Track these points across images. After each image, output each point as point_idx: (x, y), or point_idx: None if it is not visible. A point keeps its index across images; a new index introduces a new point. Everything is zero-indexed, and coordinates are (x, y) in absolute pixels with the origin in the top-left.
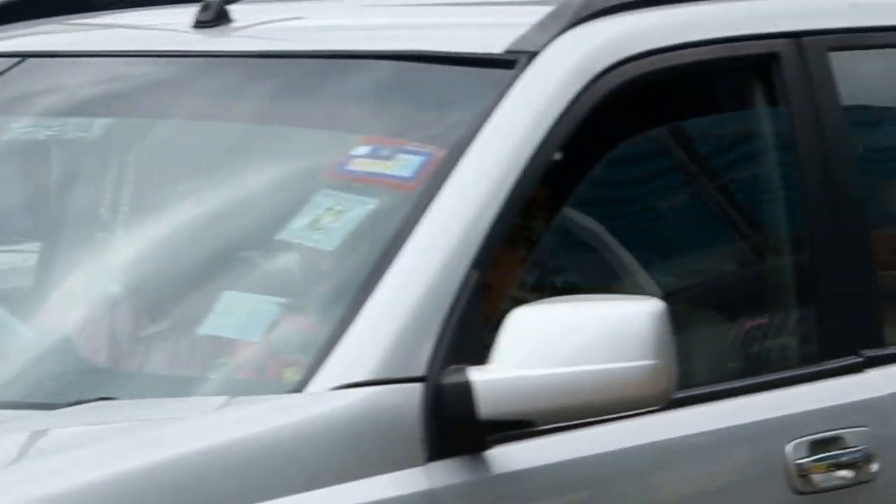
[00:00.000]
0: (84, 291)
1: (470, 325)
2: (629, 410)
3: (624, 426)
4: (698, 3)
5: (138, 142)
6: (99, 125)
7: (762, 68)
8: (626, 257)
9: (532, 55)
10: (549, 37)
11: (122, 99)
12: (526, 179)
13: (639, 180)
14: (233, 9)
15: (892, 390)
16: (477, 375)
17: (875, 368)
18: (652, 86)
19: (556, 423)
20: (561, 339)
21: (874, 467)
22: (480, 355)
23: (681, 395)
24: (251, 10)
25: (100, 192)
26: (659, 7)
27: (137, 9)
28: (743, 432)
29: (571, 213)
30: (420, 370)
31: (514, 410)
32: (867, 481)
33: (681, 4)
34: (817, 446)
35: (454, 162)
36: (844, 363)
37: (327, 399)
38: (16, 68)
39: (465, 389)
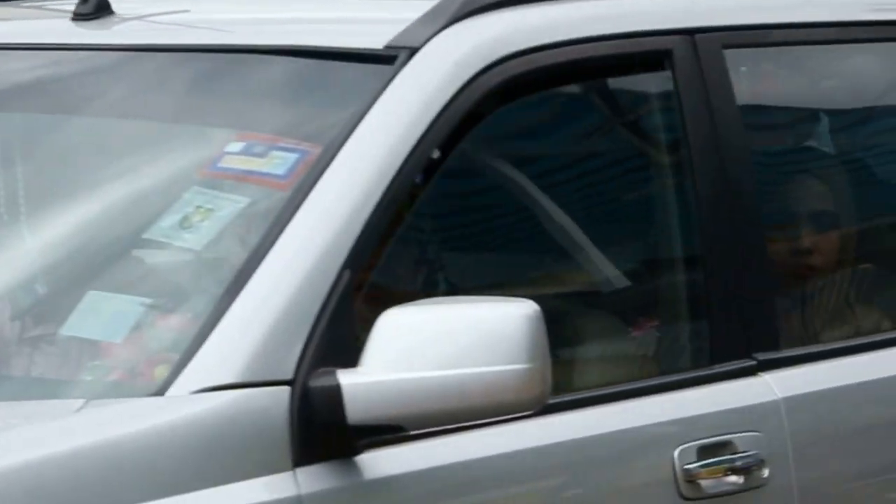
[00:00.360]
0: None
1: (341, 327)
2: (503, 415)
3: (501, 431)
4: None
5: (7, 137)
6: None
7: (654, 66)
8: (507, 259)
9: (413, 51)
10: (431, 32)
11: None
12: (403, 178)
13: (521, 180)
14: (114, 1)
15: (785, 394)
16: (346, 379)
17: (768, 372)
18: (538, 83)
19: (427, 428)
20: (433, 342)
21: (765, 473)
22: (352, 358)
23: (568, 398)
24: (133, 2)
25: None
26: (546, 3)
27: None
28: (629, 436)
29: (449, 213)
30: (288, 373)
31: (384, 415)
32: (758, 487)
33: (569, 1)
34: (706, 451)
35: (329, 160)
36: (737, 366)
37: (188, 403)
38: None
39: (334, 393)
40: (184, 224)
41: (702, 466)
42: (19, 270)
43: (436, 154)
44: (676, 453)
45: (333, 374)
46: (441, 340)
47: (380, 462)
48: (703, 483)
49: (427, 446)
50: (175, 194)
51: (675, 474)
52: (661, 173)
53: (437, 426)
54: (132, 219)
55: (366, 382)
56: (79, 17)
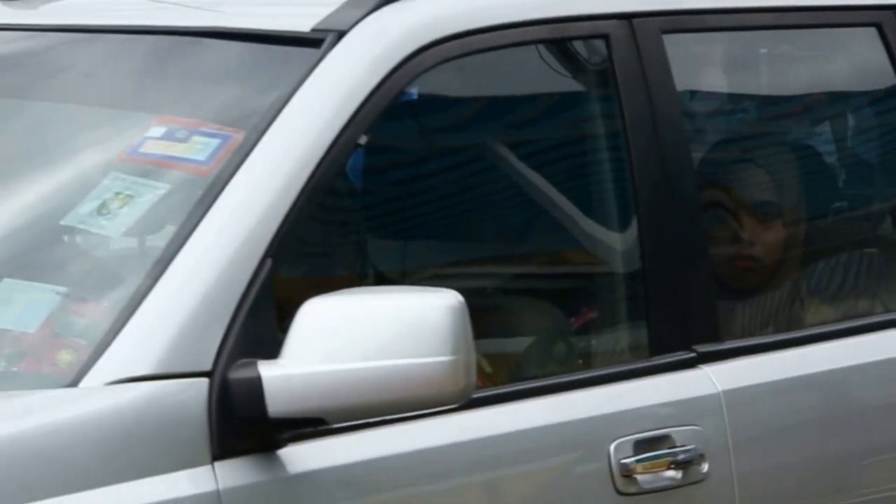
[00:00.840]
0: None
1: (262, 318)
2: (426, 408)
3: (428, 424)
4: None
5: None
6: None
7: (591, 50)
8: (438, 247)
9: (340, 34)
10: (360, 15)
11: None
12: (328, 164)
13: (452, 167)
14: None
15: (725, 387)
16: (266, 371)
17: (708, 364)
18: (472, 68)
19: (350, 421)
20: (355, 333)
21: (704, 468)
22: (274, 349)
23: (500, 391)
24: None
25: None
26: None
27: None
28: (564, 430)
29: (377, 202)
30: (207, 364)
31: (305, 408)
32: (696, 482)
33: None
34: (643, 445)
35: (252, 146)
36: (676, 359)
37: (101, 394)
38: None
39: (255, 385)
40: (102, 210)
41: (638, 461)
42: None
43: (362, 139)
44: (612, 447)
45: (254, 365)
46: (363, 331)
47: (302, 456)
48: (640, 478)
49: (350, 440)
50: (93, 180)
51: (610, 469)
52: (598, 162)
53: (359, 419)
54: (49, 205)
55: (286, 374)
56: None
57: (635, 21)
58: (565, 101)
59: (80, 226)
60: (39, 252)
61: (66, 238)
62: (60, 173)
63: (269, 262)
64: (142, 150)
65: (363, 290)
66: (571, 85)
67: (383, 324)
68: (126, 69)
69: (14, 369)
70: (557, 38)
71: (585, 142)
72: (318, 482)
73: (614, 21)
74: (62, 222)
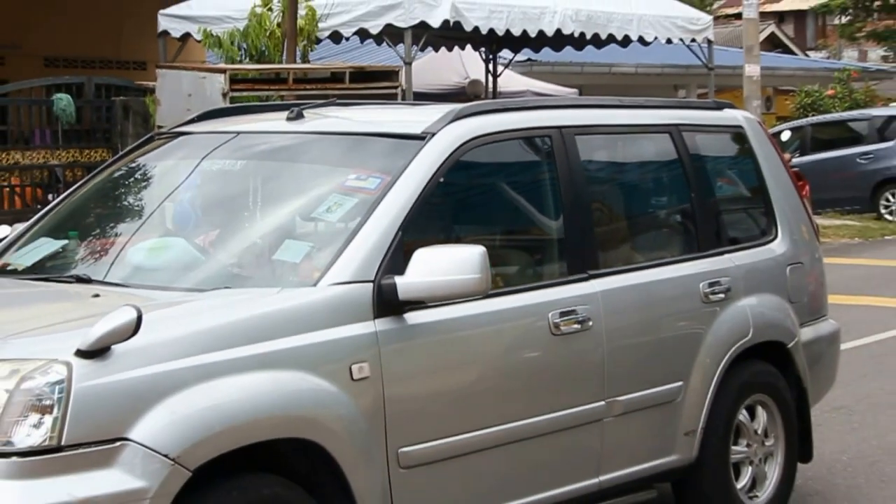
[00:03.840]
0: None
1: (396, 257)
2: (469, 297)
3: (469, 304)
4: (519, 111)
5: (259, 175)
6: (239, 164)
7: (543, 143)
8: (471, 228)
9: (433, 134)
10: (443, 125)
11: (255, 151)
12: (426, 189)
13: (481, 193)
14: (306, 112)
15: (601, 289)
16: (399, 280)
17: (594, 279)
18: (491, 150)
19: (436, 302)
20: (439, 263)
21: (590, 324)
22: (401, 271)
23: (500, 290)
24: (315, 114)
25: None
26: (498, 113)
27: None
28: (529, 308)
29: (447, 208)
30: (371, 276)
31: (415, 296)
32: (587, 330)
33: (512, 112)
34: (564, 314)
35: (393, 182)
36: (579, 277)
37: (327, 290)
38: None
39: (392, 286)
40: (329, 210)
41: (561, 321)
42: (259, 235)
43: (441, 180)
44: (549, 315)
45: (392, 277)
46: (443, 263)
47: (414, 317)
48: (563, 328)
49: (436, 310)
50: (326, 197)
51: (549, 325)
52: (547, 193)
53: (440, 302)
54: (307, 207)
55: (407, 281)
56: (289, 119)
57: (563, 129)
58: (532, 165)
59: (320, 217)
60: (302, 228)
61: (314, 223)
62: (313, 194)
63: (399, 233)
64: (347, 184)
65: (443, 245)
66: (533, 158)
67: (451, 259)
68: (341, 148)
69: (288, 278)
70: (531, 136)
71: (541, 184)
72: (421, 327)
73: (555, 129)
74: (312, 215)
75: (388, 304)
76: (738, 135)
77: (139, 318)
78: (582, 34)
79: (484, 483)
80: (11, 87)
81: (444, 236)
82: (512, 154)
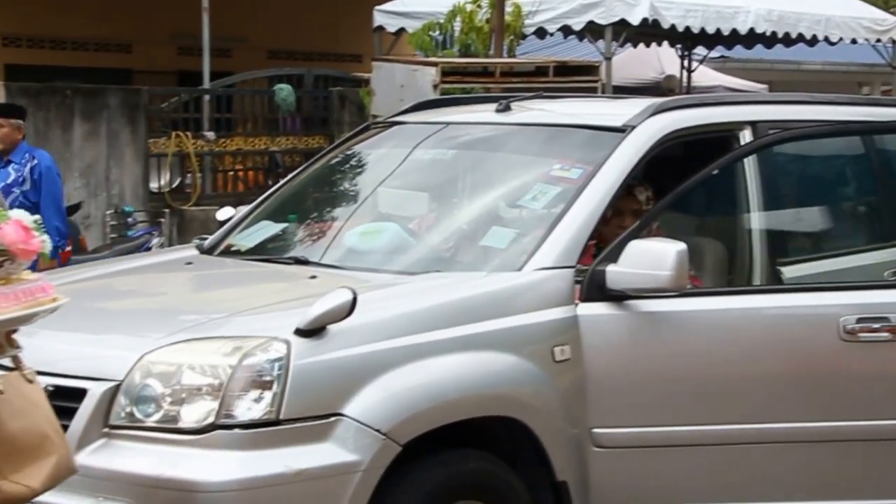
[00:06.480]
0: None
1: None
2: (663, 292)
3: (664, 300)
4: (716, 106)
5: (466, 166)
6: (449, 154)
7: (729, 139)
8: (670, 218)
9: (633, 127)
10: (643, 119)
11: (464, 141)
12: (624, 180)
13: (682, 193)
14: (513, 105)
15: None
16: (608, 268)
17: None
18: (686, 144)
19: (634, 293)
20: (647, 258)
21: None
22: (615, 260)
23: (696, 290)
24: (520, 107)
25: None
26: (690, 108)
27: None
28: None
29: (641, 201)
30: (573, 262)
31: (622, 288)
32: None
33: (703, 108)
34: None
35: (595, 172)
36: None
37: (531, 274)
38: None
39: (602, 274)
40: (534, 198)
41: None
42: (467, 221)
43: (641, 170)
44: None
45: (605, 265)
46: (649, 259)
47: (620, 306)
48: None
49: (631, 303)
50: (531, 186)
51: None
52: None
53: (636, 293)
54: (514, 196)
55: (616, 271)
56: (497, 111)
57: (758, 125)
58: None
59: (525, 205)
60: (509, 215)
61: (519, 210)
62: (518, 183)
63: (595, 222)
64: (551, 174)
65: (647, 240)
66: (718, 149)
67: (651, 255)
68: (549, 140)
69: (493, 262)
70: (722, 132)
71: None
72: (620, 317)
73: (746, 124)
74: (518, 203)
75: (594, 290)
76: None
77: (354, 300)
78: (773, 33)
79: (689, 479)
80: (237, 78)
81: (648, 228)
82: (706, 150)
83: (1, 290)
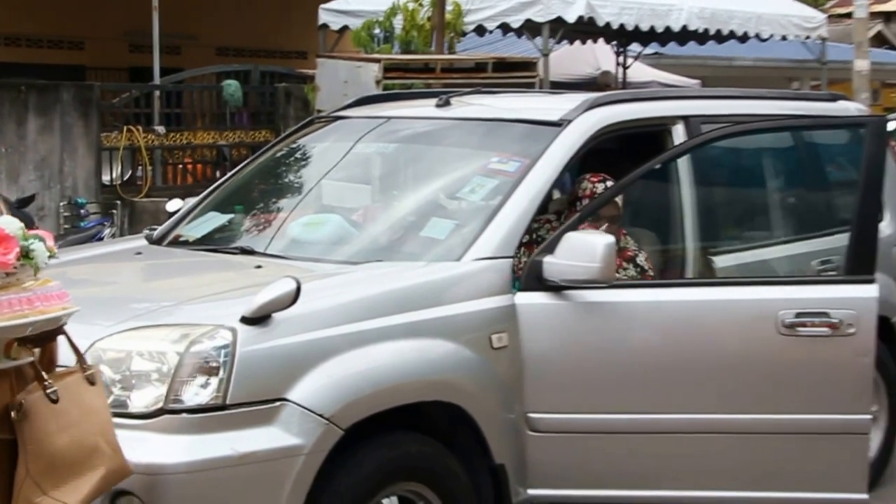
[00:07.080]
0: None
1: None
2: (594, 283)
3: (591, 292)
4: (649, 101)
5: (414, 158)
6: (391, 147)
7: (659, 134)
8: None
9: (570, 121)
10: (578, 113)
11: (405, 135)
12: (558, 176)
13: (622, 187)
14: (452, 100)
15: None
16: (545, 258)
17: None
18: (618, 138)
19: (570, 286)
20: (573, 250)
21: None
22: (552, 251)
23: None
24: (461, 101)
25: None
26: (625, 103)
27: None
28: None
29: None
30: (511, 253)
31: (558, 278)
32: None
33: (638, 102)
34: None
35: (531, 166)
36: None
37: (469, 264)
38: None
39: (540, 265)
40: (472, 190)
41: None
42: (407, 212)
43: (574, 163)
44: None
45: (542, 256)
46: (581, 248)
47: (561, 296)
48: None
49: (567, 293)
50: (469, 178)
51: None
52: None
53: (569, 283)
54: (453, 188)
55: (552, 262)
56: (438, 106)
57: (691, 119)
58: (648, 149)
59: (464, 197)
60: (449, 206)
61: (458, 202)
62: (457, 175)
63: (532, 214)
64: (489, 167)
65: (580, 232)
66: (650, 143)
67: (582, 247)
68: (486, 134)
69: (432, 253)
70: (652, 127)
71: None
72: (556, 307)
73: (678, 119)
74: (457, 195)
75: (535, 280)
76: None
77: (298, 289)
78: (706, 30)
79: (621, 464)
80: (187, 74)
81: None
82: (639, 142)
83: None
